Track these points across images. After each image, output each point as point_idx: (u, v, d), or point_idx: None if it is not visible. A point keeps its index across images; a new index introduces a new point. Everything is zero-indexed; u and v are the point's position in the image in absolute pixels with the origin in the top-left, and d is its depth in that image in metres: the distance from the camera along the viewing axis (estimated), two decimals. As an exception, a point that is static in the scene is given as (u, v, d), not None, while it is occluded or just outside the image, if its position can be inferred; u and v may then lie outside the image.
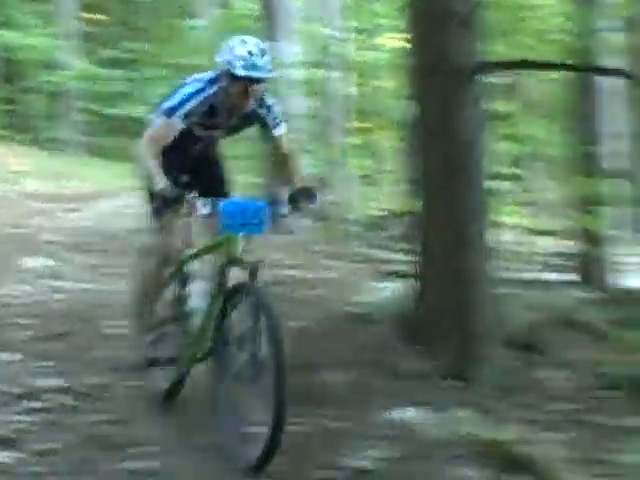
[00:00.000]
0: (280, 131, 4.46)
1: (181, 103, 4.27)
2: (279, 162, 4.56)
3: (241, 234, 4.16)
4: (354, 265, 8.16)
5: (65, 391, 4.71)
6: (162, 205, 4.13)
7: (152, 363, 4.68)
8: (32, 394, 4.63)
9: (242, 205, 4.16)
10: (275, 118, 4.45)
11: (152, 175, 4.20)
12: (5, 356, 5.27)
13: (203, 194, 4.36)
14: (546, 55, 9.62)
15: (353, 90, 15.61)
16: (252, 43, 4.18)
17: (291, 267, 8.02)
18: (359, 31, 17.52)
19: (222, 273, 4.22)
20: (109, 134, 20.97)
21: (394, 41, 14.58)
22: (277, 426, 3.65)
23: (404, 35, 6.01)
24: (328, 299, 5.69)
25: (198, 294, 4.49)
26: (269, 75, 4.19)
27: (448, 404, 4.69)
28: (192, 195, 4.22)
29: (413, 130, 5.60)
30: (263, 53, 4.16)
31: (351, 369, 4.81)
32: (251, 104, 4.30)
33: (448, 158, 5.41)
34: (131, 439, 4.12)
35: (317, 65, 14.90)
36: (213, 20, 19.21)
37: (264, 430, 3.68)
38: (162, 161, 4.27)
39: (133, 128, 18.74)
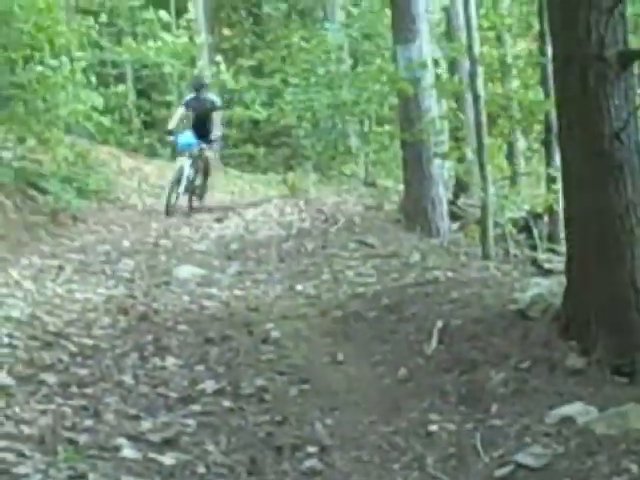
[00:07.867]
0: None
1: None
2: None
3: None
4: (503, 265, 8.04)
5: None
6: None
7: None
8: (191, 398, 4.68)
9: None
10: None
11: None
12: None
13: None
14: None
15: (482, 90, 15.39)
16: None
17: (436, 268, 7.98)
18: (485, 29, 17.17)
19: None
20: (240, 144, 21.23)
21: (525, 41, 14.32)
22: None
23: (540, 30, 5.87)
24: (483, 297, 5.63)
25: None
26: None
27: (612, 400, 4.57)
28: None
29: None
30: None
31: (512, 366, 4.75)
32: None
33: (592, 151, 5.20)
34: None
35: (450, 65, 14.80)
36: (345, 22, 19.33)
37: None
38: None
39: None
